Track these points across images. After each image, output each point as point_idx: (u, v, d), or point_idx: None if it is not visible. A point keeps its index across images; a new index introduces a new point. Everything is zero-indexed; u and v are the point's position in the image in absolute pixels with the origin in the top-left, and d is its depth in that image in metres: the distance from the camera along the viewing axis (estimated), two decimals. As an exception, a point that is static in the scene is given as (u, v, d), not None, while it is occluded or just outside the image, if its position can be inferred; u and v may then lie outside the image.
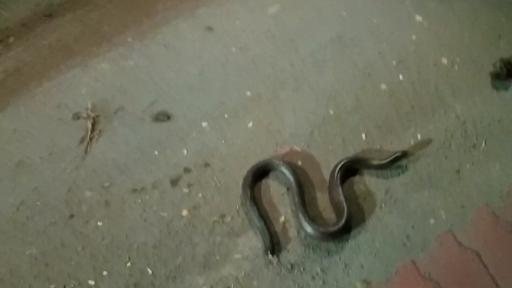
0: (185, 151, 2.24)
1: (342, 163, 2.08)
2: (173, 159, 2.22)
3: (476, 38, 2.53)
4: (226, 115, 2.37)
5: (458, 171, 2.08)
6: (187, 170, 2.18)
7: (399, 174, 2.10)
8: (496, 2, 2.68)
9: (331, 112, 2.33)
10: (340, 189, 2.00)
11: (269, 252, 1.87)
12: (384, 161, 2.06)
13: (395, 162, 2.07)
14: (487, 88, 2.33)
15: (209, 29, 2.74)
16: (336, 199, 2.00)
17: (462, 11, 2.66)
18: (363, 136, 2.22)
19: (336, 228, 1.90)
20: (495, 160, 2.10)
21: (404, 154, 2.08)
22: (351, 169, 2.11)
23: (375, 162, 2.09)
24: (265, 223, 1.94)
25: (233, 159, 2.20)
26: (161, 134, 2.31)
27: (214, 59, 2.60)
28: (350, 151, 2.19)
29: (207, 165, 2.20)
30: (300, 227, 1.95)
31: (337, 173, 2.05)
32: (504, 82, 2.32)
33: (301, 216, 1.94)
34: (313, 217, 1.97)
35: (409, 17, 2.66)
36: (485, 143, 2.14)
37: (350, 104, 2.35)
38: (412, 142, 2.18)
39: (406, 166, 2.11)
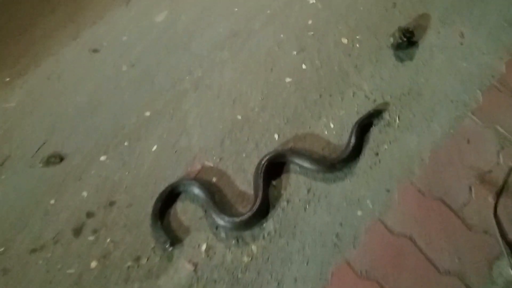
0: (85, 193, 1.99)
1: (267, 157, 1.95)
2: (72, 205, 1.96)
3: (371, 11, 2.45)
4: (126, 143, 2.14)
5: (377, 154, 1.97)
6: (90, 214, 1.94)
7: (319, 168, 1.98)
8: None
9: (239, 116, 2.17)
10: (261, 181, 1.88)
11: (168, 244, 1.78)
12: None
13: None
14: (391, 61, 2.25)
15: (95, 50, 2.49)
16: (256, 191, 1.88)
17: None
18: (276, 136, 2.06)
19: (248, 214, 1.80)
20: (411, 132, 2.02)
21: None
22: (276, 163, 1.97)
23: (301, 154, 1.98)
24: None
25: (141, 189, 1.98)
26: (55, 179, 2.05)
27: (104, 82, 2.35)
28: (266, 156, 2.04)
29: (112, 203, 1.96)
30: (214, 222, 1.83)
31: (261, 168, 1.92)
32: (406, 51, 2.25)
33: (212, 211, 1.83)
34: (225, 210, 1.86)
35: (301, 1, 2.54)
36: (398, 118, 2.06)
37: (257, 104, 2.19)
38: (326, 132, 2.06)
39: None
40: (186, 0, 2.64)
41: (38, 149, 2.16)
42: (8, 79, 2.42)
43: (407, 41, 2.21)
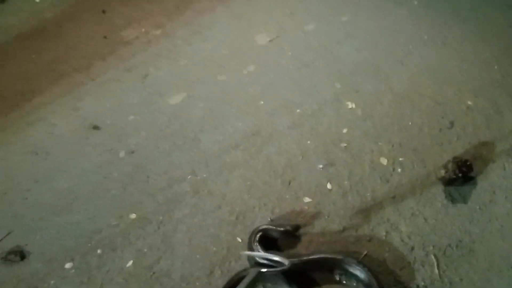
0: (33, 312, 1.60)
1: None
2: (14, 325, 1.58)
3: (422, 128, 2.02)
4: (99, 250, 1.76)
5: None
6: None
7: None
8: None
9: (239, 239, 1.75)
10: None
11: None
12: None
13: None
14: (440, 198, 1.78)
15: (95, 127, 2.19)
16: None
17: (402, 89, 2.18)
18: (278, 277, 1.62)
19: None
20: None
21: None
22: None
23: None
24: None
25: (99, 320, 1.57)
26: (8, 283, 1.68)
27: (93, 168, 2.02)
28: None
29: (61, 332, 1.55)
30: None
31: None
32: (460, 189, 1.79)
33: None
34: None
35: (339, 105, 2.16)
36: (440, 279, 1.57)
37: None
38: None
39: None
40: (207, 85, 2.32)
41: (1, 239, 1.82)
42: (-6, 147, 2.16)
43: (462, 175, 1.76)
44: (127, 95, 2.32)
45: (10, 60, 2.52)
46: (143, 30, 2.66)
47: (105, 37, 2.66)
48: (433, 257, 1.62)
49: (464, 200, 1.76)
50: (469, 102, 2.08)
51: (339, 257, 1.59)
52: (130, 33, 2.66)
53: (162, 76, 2.39)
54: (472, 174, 1.78)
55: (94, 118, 2.23)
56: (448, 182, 1.77)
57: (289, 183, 1.90)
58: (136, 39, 2.62)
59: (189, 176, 1.96)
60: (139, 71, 2.43)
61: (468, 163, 1.77)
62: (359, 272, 1.54)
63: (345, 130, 2.04)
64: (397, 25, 2.55)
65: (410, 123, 2.03)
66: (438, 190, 1.80)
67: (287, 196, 1.86)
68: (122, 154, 2.07)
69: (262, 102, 2.21)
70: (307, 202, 1.83)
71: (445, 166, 1.78)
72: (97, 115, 2.24)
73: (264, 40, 2.53)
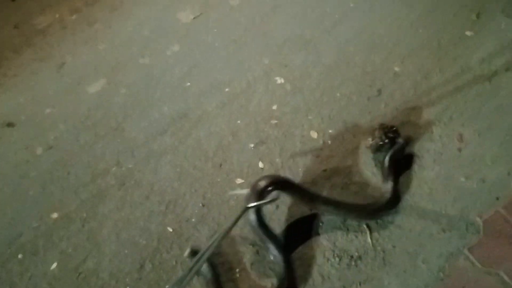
0: None
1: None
2: None
3: (351, 98, 1.99)
4: (20, 255, 1.64)
5: None
6: None
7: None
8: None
9: (169, 229, 1.67)
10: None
11: None
12: None
13: None
14: (369, 166, 1.77)
15: (9, 125, 2.03)
16: None
17: (331, 59, 2.14)
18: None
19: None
20: (390, 272, 1.51)
21: None
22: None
23: None
24: None
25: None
26: None
27: (10, 168, 1.88)
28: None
29: None
30: None
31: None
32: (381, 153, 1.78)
33: None
34: None
35: (268, 81, 2.09)
36: (374, 249, 1.56)
37: (195, 213, 1.71)
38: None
39: None
40: (129, 69, 2.19)
41: None
42: None
43: (389, 142, 1.75)
44: (42, 87, 2.15)
45: None
46: (57, 16, 2.47)
47: (15, 26, 2.46)
48: (365, 226, 1.61)
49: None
50: (396, 68, 2.07)
51: None
52: (43, 20, 2.47)
53: (80, 63, 2.23)
54: (399, 140, 1.77)
55: (8, 115, 2.06)
56: (375, 149, 1.76)
57: (220, 166, 1.83)
58: (50, 26, 2.43)
59: (114, 168, 1.85)
60: (55, 61, 2.26)
61: (394, 129, 1.76)
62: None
63: (275, 107, 1.99)
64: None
65: (338, 94, 2.00)
66: (368, 159, 1.79)
67: (219, 179, 1.79)
68: (39, 150, 1.92)
69: (189, 84, 2.11)
70: (239, 184, 1.77)
71: (371, 134, 1.76)
72: (10, 111, 2.07)
73: (187, 17, 2.40)
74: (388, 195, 1.65)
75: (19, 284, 1.58)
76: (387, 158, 1.71)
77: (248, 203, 1.45)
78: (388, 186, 1.66)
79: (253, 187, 1.53)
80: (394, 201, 1.65)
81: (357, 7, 2.36)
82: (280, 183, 1.57)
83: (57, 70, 2.21)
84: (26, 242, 1.67)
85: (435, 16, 2.28)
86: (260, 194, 1.50)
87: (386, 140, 1.73)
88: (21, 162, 1.89)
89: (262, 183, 1.53)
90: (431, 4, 2.33)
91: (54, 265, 1.61)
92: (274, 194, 1.53)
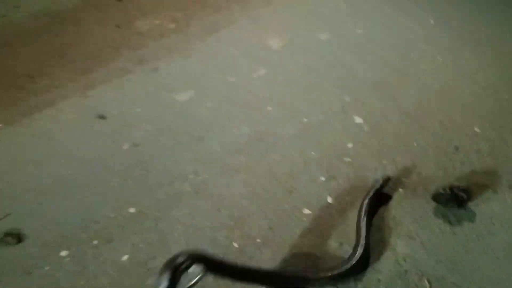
0: (26, 295, 1.61)
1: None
2: (6, 306, 1.58)
3: (427, 151, 2.02)
4: (95, 241, 1.76)
5: None
6: (20, 325, 1.54)
7: None
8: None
9: (235, 245, 1.75)
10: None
11: None
12: None
13: None
14: (438, 222, 1.78)
15: (101, 117, 2.19)
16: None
17: (410, 107, 2.18)
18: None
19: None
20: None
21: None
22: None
23: None
24: None
25: (89, 311, 1.57)
26: (3, 265, 1.68)
27: (96, 158, 2.02)
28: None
29: (51, 319, 1.56)
30: None
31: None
32: (458, 216, 1.79)
33: None
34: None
35: (346, 118, 2.16)
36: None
37: (261, 235, 1.77)
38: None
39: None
40: (216, 85, 2.32)
41: (-1, 220, 1.82)
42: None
43: (459, 201, 1.76)
44: (135, 87, 2.32)
45: (23, 39, 2.51)
46: (157, 22, 2.66)
47: (118, 26, 2.66)
48: (426, 281, 1.63)
49: (462, 228, 1.76)
50: (476, 129, 2.09)
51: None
52: (144, 24, 2.66)
53: (172, 71, 2.39)
54: (469, 201, 1.78)
55: (101, 108, 2.22)
56: (436, 198, 1.78)
57: (290, 193, 1.90)
58: (149, 31, 2.62)
59: (191, 176, 1.96)
60: (149, 64, 2.43)
61: (467, 190, 1.77)
62: None
63: (350, 145, 2.05)
64: (411, 42, 2.55)
65: (415, 144, 2.04)
66: (438, 215, 1.80)
67: (286, 206, 1.86)
68: (125, 146, 2.07)
69: (270, 108, 2.21)
70: (306, 214, 1.83)
71: (443, 189, 1.79)
72: (104, 104, 2.24)
73: (277, 44, 2.52)
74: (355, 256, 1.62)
75: (91, 267, 1.69)
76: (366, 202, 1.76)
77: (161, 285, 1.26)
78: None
79: (167, 264, 1.32)
80: (361, 264, 1.63)
81: (444, 61, 2.40)
82: (202, 260, 1.36)
83: (151, 73, 2.37)
84: (102, 229, 1.80)
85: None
86: (175, 272, 1.30)
87: (458, 199, 1.75)
88: (107, 153, 2.04)
89: (179, 259, 1.31)
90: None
91: (126, 256, 1.72)
92: (196, 271, 1.34)
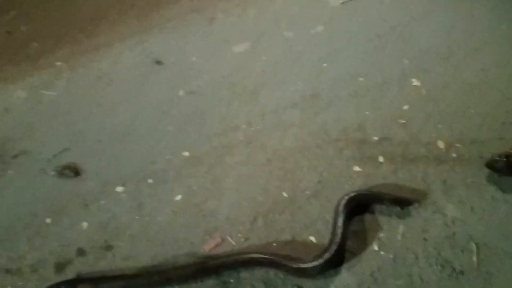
0: (85, 225, 1.72)
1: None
2: (67, 233, 1.70)
3: (485, 119, 1.97)
4: (150, 180, 1.85)
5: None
6: (81, 252, 1.65)
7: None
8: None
9: (285, 194, 1.80)
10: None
11: None
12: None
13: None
14: (491, 191, 1.76)
15: (158, 63, 2.24)
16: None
17: (473, 77, 2.12)
18: (313, 239, 1.67)
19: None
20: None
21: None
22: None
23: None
24: None
25: (144, 244, 1.67)
26: (62, 196, 1.80)
27: (154, 102, 2.09)
28: (298, 254, 1.64)
29: (108, 248, 1.66)
30: None
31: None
32: (509, 179, 1.76)
33: None
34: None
35: (404, 81, 2.12)
36: (479, 271, 1.59)
37: (310, 187, 1.81)
38: (377, 248, 1.63)
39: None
40: (273, 39, 2.31)
41: (56, 154, 1.92)
42: (59, 63, 2.23)
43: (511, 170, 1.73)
44: (192, 36, 2.35)
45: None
46: (216, -28, 2.65)
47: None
48: (474, 245, 1.64)
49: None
50: (540, 102, 2.02)
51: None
52: (203, -27, 2.65)
53: (229, 22, 2.40)
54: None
55: (159, 53, 2.27)
56: (497, 170, 1.75)
57: (341, 151, 1.91)
58: (207, -19, 2.61)
59: (244, 126, 2.00)
60: (207, 14, 2.44)
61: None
62: None
63: (406, 107, 2.02)
64: (477, 12, 2.44)
65: (473, 112, 1.99)
66: (491, 183, 1.78)
67: (338, 162, 1.88)
68: (182, 93, 2.12)
69: (326, 65, 2.20)
70: (356, 171, 1.85)
71: (499, 156, 1.75)
72: (161, 50, 2.28)
73: (336, 1, 2.47)
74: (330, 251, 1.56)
75: (146, 204, 1.78)
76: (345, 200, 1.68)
77: None
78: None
79: None
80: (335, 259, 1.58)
81: (510, 32, 2.30)
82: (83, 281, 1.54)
83: (208, 23, 2.39)
84: (158, 170, 1.88)
85: None
86: None
87: (504, 160, 1.72)
88: (165, 99, 2.10)
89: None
90: None
91: (179, 196, 1.80)
92: None
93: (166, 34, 2.34)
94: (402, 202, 1.73)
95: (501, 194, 1.75)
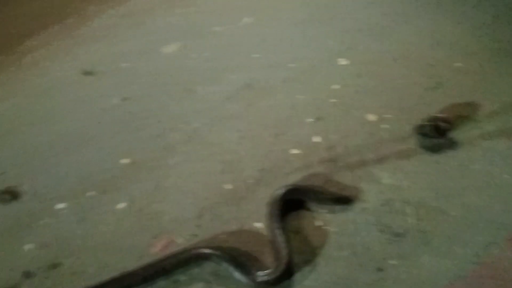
0: (29, 246, 1.68)
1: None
2: (11, 258, 1.65)
3: (410, 88, 2.07)
4: (91, 192, 1.83)
5: (380, 269, 1.59)
6: (27, 274, 1.62)
7: None
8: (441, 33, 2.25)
9: (229, 186, 1.82)
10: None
11: None
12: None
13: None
14: (420, 154, 1.85)
15: (87, 73, 2.22)
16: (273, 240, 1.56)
17: (396, 49, 2.21)
18: (259, 224, 1.70)
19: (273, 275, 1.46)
20: (428, 252, 1.62)
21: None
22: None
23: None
24: None
25: (91, 257, 1.64)
26: (3, 222, 1.76)
27: (87, 113, 2.07)
28: (247, 242, 1.68)
29: (55, 266, 1.63)
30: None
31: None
32: (440, 146, 1.85)
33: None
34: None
35: (331, 61, 2.19)
36: (416, 230, 1.67)
37: (253, 175, 1.84)
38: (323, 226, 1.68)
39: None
40: (203, 35, 2.33)
41: (-6, 180, 1.88)
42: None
43: (439, 130, 1.83)
44: (120, 42, 2.34)
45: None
46: (138, -24, 2.64)
47: (100, -18, 2.64)
48: (410, 207, 1.71)
49: (444, 157, 1.83)
50: (458, 64, 2.13)
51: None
52: (126, -21, 2.64)
53: (158, 24, 2.40)
54: (451, 131, 1.85)
55: (88, 64, 2.25)
56: (426, 134, 1.84)
57: (277, 136, 1.96)
58: (131, -15, 2.60)
59: (182, 125, 2.01)
60: (134, 19, 2.44)
61: (448, 120, 1.83)
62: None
63: (336, 87, 2.09)
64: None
65: (399, 82, 2.08)
66: (421, 147, 1.87)
67: (276, 148, 1.92)
68: (115, 100, 2.11)
69: (257, 55, 2.24)
70: (294, 154, 1.90)
71: (425, 120, 1.85)
72: (91, 61, 2.26)
73: (261, -8, 2.52)
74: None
75: (88, 217, 1.76)
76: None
77: None
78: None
79: None
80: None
81: (426, 3, 2.41)
82: None
83: (136, 28, 2.38)
84: (98, 181, 1.87)
85: (501, 21, 2.31)
86: None
87: (438, 129, 1.81)
88: (99, 109, 2.08)
89: None
90: (498, 10, 2.35)
91: (122, 204, 1.79)
92: None
93: (94, 44, 2.32)
94: (340, 201, 1.73)
95: (431, 156, 1.84)
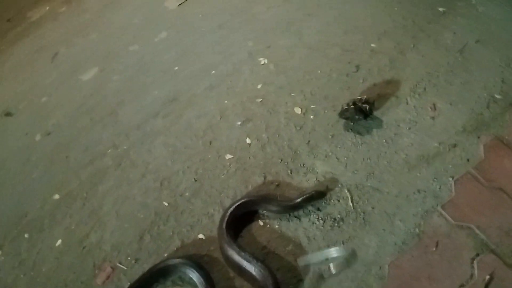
0: (-36, 304, 1.60)
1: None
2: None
3: (331, 76, 2.11)
4: (26, 234, 1.76)
5: (326, 258, 1.60)
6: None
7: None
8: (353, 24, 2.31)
9: (165, 203, 1.79)
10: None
11: None
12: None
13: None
14: (349, 137, 1.89)
15: (8, 114, 2.13)
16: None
17: (312, 40, 2.25)
18: (202, 236, 1.68)
19: None
20: (370, 231, 1.65)
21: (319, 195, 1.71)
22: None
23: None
24: None
25: (34, 300, 1.59)
26: None
27: (12, 154, 1.99)
28: (192, 255, 1.65)
29: (-3, 318, 1.56)
30: None
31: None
32: (367, 126, 1.90)
33: None
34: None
35: (252, 62, 2.20)
36: (355, 212, 1.70)
37: (188, 187, 1.82)
38: (267, 226, 1.68)
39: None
40: (120, 56, 2.30)
41: None
42: None
43: (362, 112, 1.87)
44: (38, 76, 2.26)
45: None
46: (47, 8, 2.57)
47: (9, 20, 2.55)
48: (346, 191, 1.74)
49: (372, 136, 1.88)
50: (374, 45, 2.19)
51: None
52: (36, 12, 2.56)
53: (73, 53, 2.34)
54: (374, 111, 1.90)
55: (6, 105, 2.16)
56: (350, 118, 1.88)
57: (210, 143, 1.95)
58: (42, 18, 2.53)
59: (110, 150, 1.97)
60: (49, 51, 2.36)
61: (368, 101, 1.88)
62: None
63: (259, 86, 2.10)
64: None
65: (319, 72, 2.12)
66: (348, 130, 1.91)
67: (210, 156, 1.91)
68: (38, 137, 2.04)
69: (177, 68, 2.23)
70: (228, 159, 1.89)
71: (346, 104, 1.88)
72: (8, 101, 2.18)
73: (173, 4, 2.51)
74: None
75: (27, 258, 1.70)
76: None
77: None
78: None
79: None
80: None
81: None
82: None
83: (51, 60, 2.31)
84: (32, 221, 1.80)
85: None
86: None
87: (360, 110, 1.85)
88: (22, 148, 2.01)
89: None
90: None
91: (59, 241, 1.73)
92: None
93: (9, 83, 2.24)
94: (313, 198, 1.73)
95: (359, 138, 1.88)
